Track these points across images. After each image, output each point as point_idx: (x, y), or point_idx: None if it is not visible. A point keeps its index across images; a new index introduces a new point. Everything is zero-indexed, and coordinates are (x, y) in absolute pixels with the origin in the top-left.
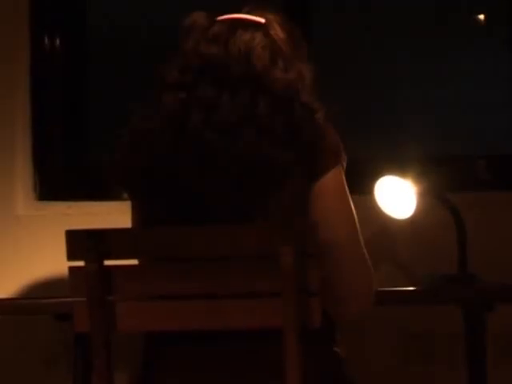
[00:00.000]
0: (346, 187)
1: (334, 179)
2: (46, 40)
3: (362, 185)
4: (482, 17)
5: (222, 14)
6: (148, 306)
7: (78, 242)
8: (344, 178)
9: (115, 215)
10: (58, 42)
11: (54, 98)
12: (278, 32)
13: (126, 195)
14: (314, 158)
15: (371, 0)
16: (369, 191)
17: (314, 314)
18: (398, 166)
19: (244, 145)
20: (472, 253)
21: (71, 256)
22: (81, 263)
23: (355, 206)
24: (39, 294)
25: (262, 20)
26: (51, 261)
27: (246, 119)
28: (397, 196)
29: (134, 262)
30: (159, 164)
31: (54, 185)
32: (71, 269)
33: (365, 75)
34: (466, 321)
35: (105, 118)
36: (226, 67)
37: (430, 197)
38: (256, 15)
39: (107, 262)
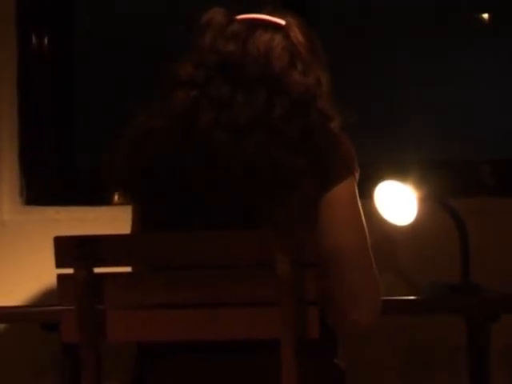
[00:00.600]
0: (358, 200)
1: (345, 190)
2: (34, 40)
3: (360, 190)
4: (486, 16)
5: (238, 14)
6: (140, 315)
7: (67, 249)
8: (356, 190)
9: (106, 221)
10: (45, 42)
11: (42, 100)
12: (297, 35)
13: (117, 200)
14: (327, 167)
15: (371, 0)
16: (368, 196)
17: (312, 325)
18: (398, 170)
19: (253, 146)
20: (475, 261)
21: (60, 263)
22: (70, 270)
23: None
24: (26, 303)
25: (283, 22)
26: (39, 268)
27: (259, 120)
28: (397, 201)
29: (126, 269)
30: (162, 164)
31: (41, 189)
32: (60, 276)
33: (363, 75)
34: (468, 332)
35: (94, 120)
36: (242, 66)
37: (432, 202)
38: (276, 17)
39: (97, 270)
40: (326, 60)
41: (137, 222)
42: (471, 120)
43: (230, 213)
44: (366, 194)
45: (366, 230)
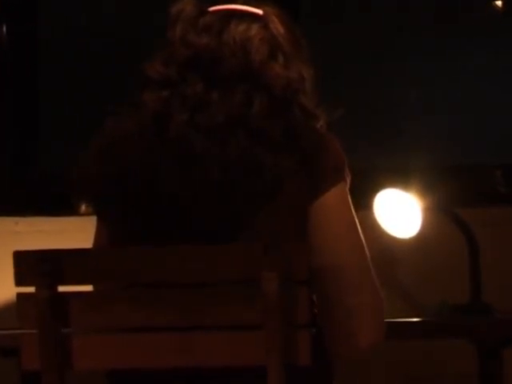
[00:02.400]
0: (352, 206)
1: (336, 197)
2: None
3: (358, 199)
4: (499, 3)
5: (210, 6)
6: (110, 340)
7: (28, 265)
8: (349, 195)
9: (71, 233)
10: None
11: (1, 106)
12: (277, 26)
13: (84, 210)
14: (314, 170)
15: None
16: (366, 206)
17: (303, 351)
18: (401, 177)
19: (232, 148)
20: (487, 278)
21: (20, 281)
22: (31, 289)
23: None
24: None
25: (260, 11)
26: None
27: (238, 120)
28: (398, 212)
29: (89, 288)
30: (133, 171)
31: None
32: (19, 296)
33: (360, 72)
34: (479, 358)
35: (56, 127)
36: (217, 60)
37: (438, 212)
38: (252, 7)
39: (62, 289)
40: (309, 54)
41: (102, 235)
42: (482, 121)
43: (209, 223)
44: (364, 204)
45: (364, 240)
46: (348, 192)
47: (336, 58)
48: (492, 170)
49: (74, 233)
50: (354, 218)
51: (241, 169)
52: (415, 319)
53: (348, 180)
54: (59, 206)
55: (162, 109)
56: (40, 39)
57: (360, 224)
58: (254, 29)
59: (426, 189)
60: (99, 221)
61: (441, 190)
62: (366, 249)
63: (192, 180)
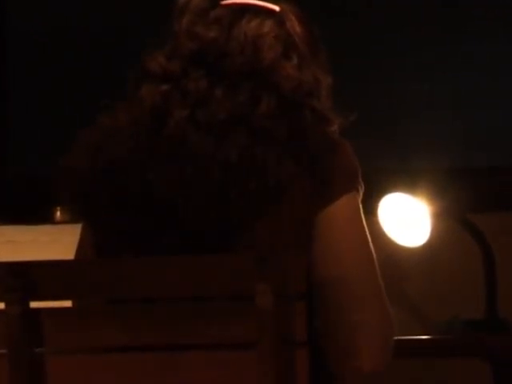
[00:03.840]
0: (363, 218)
1: (346, 207)
2: None
3: (363, 204)
4: None
5: None
6: (88, 361)
7: None
8: (360, 206)
9: (45, 243)
10: None
11: None
12: (294, 25)
13: (59, 217)
14: (324, 177)
15: None
16: (370, 212)
17: (300, 372)
18: (407, 180)
19: (233, 148)
20: (503, 292)
21: None
22: (1, 305)
23: None
24: None
25: (277, 8)
26: None
27: (240, 118)
28: (406, 218)
29: (71, 303)
30: (124, 167)
31: None
32: None
33: (362, 66)
34: (494, 379)
35: (28, 127)
36: (225, 55)
37: (449, 219)
38: (269, 3)
39: (34, 305)
40: (328, 60)
41: (86, 240)
42: (496, 119)
43: (204, 227)
44: (367, 209)
45: (374, 255)
46: (360, 204)
47: (336, 54)
48: (508, 172)
49: (49, 243)
50: (364, 232)
51: (241, 170)
52: (424, 337)
53: (361, 191)
54: (33, 212)
55: (161, 103)
56: (8, 37)
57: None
58: (268, 25)
59: (436, 193)
60: (84, 224)
61: (452, 193)
62: (375, 263)
63: (188, 180)
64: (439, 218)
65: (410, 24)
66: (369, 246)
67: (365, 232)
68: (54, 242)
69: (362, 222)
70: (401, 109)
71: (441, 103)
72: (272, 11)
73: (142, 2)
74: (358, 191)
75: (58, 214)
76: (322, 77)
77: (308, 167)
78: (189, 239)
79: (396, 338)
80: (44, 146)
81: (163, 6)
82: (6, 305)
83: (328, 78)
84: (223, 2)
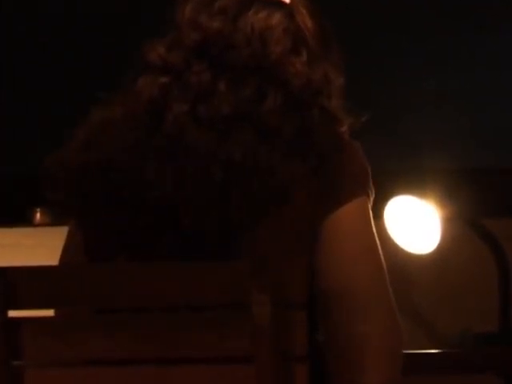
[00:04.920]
0: (373, 224)
1: (354, 213)
2: None
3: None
4: None
5: None
6: (71, 374)
7: None
8: (369, 211)
9: (26, 247)
10: None
11: None
12: (305, 19)
13: (39, 219)
14: (331, 180)
15: None
16: (375, 216)
17: None
18: (416, 182)
19: (236, 146)
20: None
21: None
22: None
23: None
24: None
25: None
26: None
27: (246, 115)
28: (414, 223)
29: (48, 313)
30: (119, 163)
31: None
32: None
33: (365, 65)
34: None
35: (9, 124)
36: (230, 47)
37: (460, 224)
38: None
39: (13, 313)
40: (342, 58)
41: (75, 248)
42: (509, 118)
43: (201, 229)
44: (374, 213)
45: (384, 264)
46: (370, 210)
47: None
48: None
49: (30, 247)
50: (374, 240)
51: (244, 169)
52: (434, 351)
53: (371, 196)
54: (13, 214)
55: (159, 97)
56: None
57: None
58: (277, 17)
59: (446, 195)
60: (73, 226)
61: (464, 196)
62: (385, 273)
63: (188, 179)
64: (450, 222)
65: (414, 20)
66: (378, 255)
67: (374, 239)
68: (36, 246)
69: (371, 228)
70: (407, 105)
71: (451, 99)
72: (281, 3)
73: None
74: (368, 196)
75: (38, 215)
76: (333, 76)
77: (315, 168)
78: (188, 241)
79: (404, 351)
80: (28, 147)
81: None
82: None
83: (340, 78)
84: None
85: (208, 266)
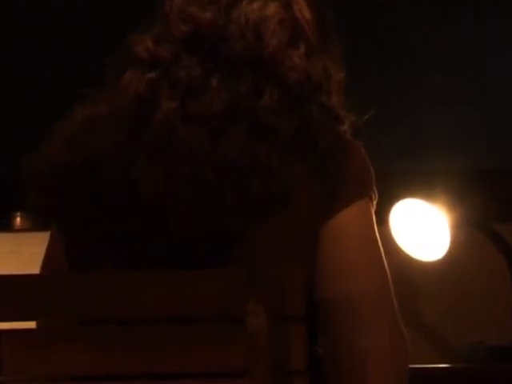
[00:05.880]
0: (376, 229)
1: (357, 216)
2: None
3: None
4: None
5: None
6: None
7: None
8: (373, 215)
9: (4, 253)
10: None
11: None
12: (303, 9)
13: (19, 224)
14: (332, 182)
15: None
16: (380, 221)
17: None
18: (423, 184)
19: (230, 145)
20: None
21: None
22: None
23: None
24: None
25: None
26: None
27: (240, 111)
28: (421, 228)
29: (31, 324)
30: (103, 163)
31: None
32: None
33: (368, 60)
34: None
35: None
36: (222, 40)
37: (471, 229)
38: None
39: None
40: (342, 52)
41: (58, 254)
42: None
43: (193, 234)
44: (378, 217)
45: (388, 272)
46: (373, 212)
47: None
48: None
49: (8, 253)
50: (377, 246)
51: (240, 170)
52: (442, 365)
53: (374, 199)
54: None
55: (147, 92)
56: None
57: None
58: (272, 8)
59: (456, 198)
60: (55, 231)
61: (475, 199)
62: (389, 281)
63: (178, 181)
64: (460, 227)
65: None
66: (382, 262)
67: (378, 245)
68: (14, 253)
69: (374, 234)
70: (413, 102)
71: (460, 95)
72: None
73: None
74: (371, 198)
75: (18, 220)
76: (333, 70)
77: (315, 169)
78: (178, 247)
79: (411, 366)
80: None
81: None
82: None
83: (340, 73)
84: None
85: (200, 275)
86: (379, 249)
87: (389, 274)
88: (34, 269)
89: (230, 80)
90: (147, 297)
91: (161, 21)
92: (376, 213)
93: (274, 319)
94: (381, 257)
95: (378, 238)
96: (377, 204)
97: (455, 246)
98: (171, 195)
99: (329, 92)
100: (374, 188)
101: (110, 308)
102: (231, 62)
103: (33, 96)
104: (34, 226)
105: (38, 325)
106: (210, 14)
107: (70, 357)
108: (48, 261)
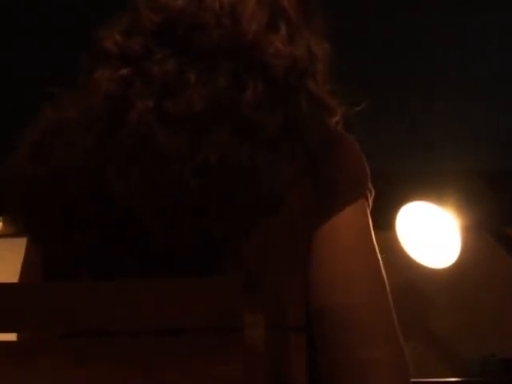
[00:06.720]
0: (372, 233)
1: (353, 219)
2: None
3: (376, 215)
4: None
5: None
6: None
7: None
8: (369, 217)
9: None
10: None
11: None
12: None
13: (0, 229)
14: (325, 183)
15: None
16: (386, 225)
17: None
18: (432, 186)
19: (213, 147)
20: None
21: None
22: None
23: None
24: None
25: None
26: None
27: (222, 109)
28: (430, 233)
29: (12, 336)
30: (74, 173)
31: None
32: None
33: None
34: None
35: None
36: (197, 29)
37: (482, 234)
38: None
39: None
40: (325, 26)
41: (33, 264)
42: None
43: (177, 246)
44: (383, 222)
45: (385, 278)
46: (368, 213)
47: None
48: None
49: None
50: (374, 251)
51: (224, 174)
52: (453, 379)
53: (370, 197)
54: None
55: (120, 91)
56: None
57: (378, 247)
58: None
59: (466, 201)
60: (29, 242)
61: (487, 202)
62: (387, 290)
63: (155, 187)
64: (471, 232)
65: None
66: (379, 268)
67: (374, 250)
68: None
69: (371, 237)
70: (422, 100)
71: (472, 92)
72: None
73: None
74: (366, 199)
75: (0, 225)
76: (318, 49)
77: (306, 168)
78: (159, 260)
79: (419, 380)
80: None
81: None
82: None
83: (324, 46)
84: None
85: (192, 283)
86: (376, 254)
87: (386, 280)
88: (16, 276)
89: (209, 73)
90: (135, 307)
91: (129, 11)
92: (381, 216)
93: (272, 331)
94: (378, 263)
95: (375, 241)
96: (382, 207)
97: (466, 251)
98: (150, 204)
99: (315, 75)
100: (370, 185)
101: (96, 319)
102: (208, 52)
103: (33, 96)
104: (17, 231)
105: (18, 337)
106: (181, 1)
107: (51, 371)
108: (24, 271)
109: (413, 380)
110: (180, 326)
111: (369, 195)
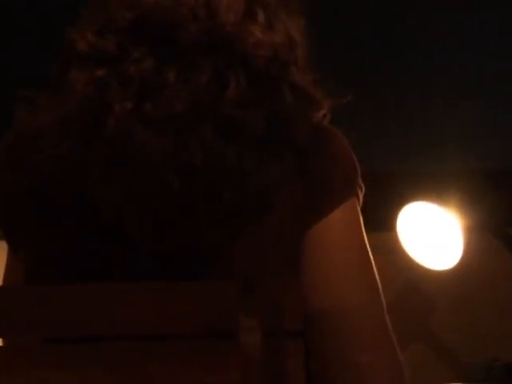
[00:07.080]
0: (364, 233)
1: (344, 219)
2: None
3: (373, 217)
4: None
5: None
6: None
7: None
8: (360, 216)
9: None
10: None
11: None
12: None
13: None
14: (314, 183)
15: None
16: (386, 227)
17: None
18: (434, 186)
19: (197, 149)
20: None
21: None
22: None
23: None
24: None
25: None
26: None
27: (205, 109)
28: (431, 234)
29: None
30: (52, 181)
31: None
32: None
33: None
34: None
35: None
36: (173, 24)
37: (485, 235)
38: None
39: None
40: (302, 9)
41: (15, 270)
42: None
43: (163, 252)
44: (383, 223)
45: (378, 279)
46: (359, 212)
47: (337, 42)
48: None
49: None
50: (366, 249)
51: (209, 176)
52: None
53: (361, 195)
54: None
55: (96, 94)
56: None
57: (378, 249)
58: None
59: (469, 201)
60: (10, 250)
61: (489, 203)
62: (380, 292)
63: (137, 192)
64: (473, 232)
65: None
66: (372, 269)
67: (366, 251)
68: None
69: (362, 237)
70: (423, 96)
71: (472, 91)
72: None
73: None
74: (357, 196)
75: None
76: (295, 33)
77: (295, 167)
78: (139, 270)
79: None
80: None
81: None
82: None
83: (302, 31)
84: None
85: (187, 287)
86: (367, 252)
87: (378, 279)
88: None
89: (189, 71)
90: (126, 311)
91: (101, 8)
92: (382, 217)
93: (269, 335)
94: (370, 264)
95: (366, 241)
96: (383, 207)
97: (468, 253)
98: (131, 210)
99: (296, 62)
100: (360, 181)
101: (83, 324)
102: (186, 49)
103: None
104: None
105: (4, 342)
106: None
107: (37, 378)
108: (9, 273)
109: None
110: (173, 332)
111: (359, 192)
